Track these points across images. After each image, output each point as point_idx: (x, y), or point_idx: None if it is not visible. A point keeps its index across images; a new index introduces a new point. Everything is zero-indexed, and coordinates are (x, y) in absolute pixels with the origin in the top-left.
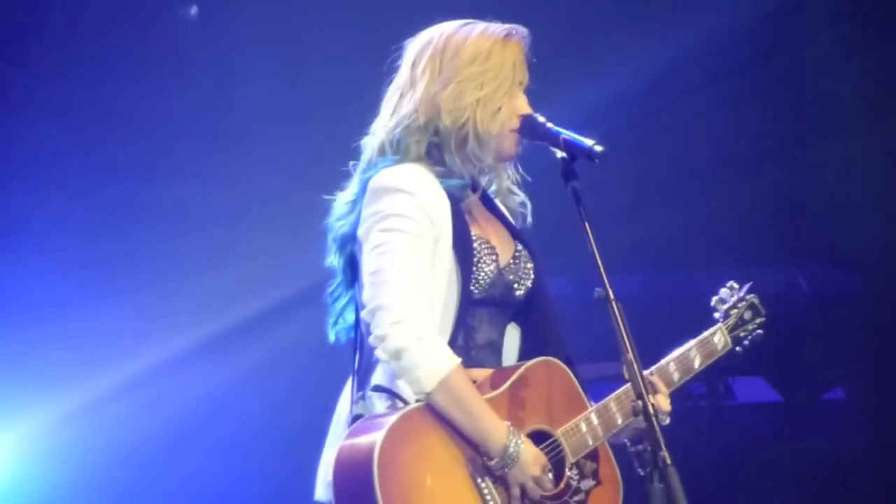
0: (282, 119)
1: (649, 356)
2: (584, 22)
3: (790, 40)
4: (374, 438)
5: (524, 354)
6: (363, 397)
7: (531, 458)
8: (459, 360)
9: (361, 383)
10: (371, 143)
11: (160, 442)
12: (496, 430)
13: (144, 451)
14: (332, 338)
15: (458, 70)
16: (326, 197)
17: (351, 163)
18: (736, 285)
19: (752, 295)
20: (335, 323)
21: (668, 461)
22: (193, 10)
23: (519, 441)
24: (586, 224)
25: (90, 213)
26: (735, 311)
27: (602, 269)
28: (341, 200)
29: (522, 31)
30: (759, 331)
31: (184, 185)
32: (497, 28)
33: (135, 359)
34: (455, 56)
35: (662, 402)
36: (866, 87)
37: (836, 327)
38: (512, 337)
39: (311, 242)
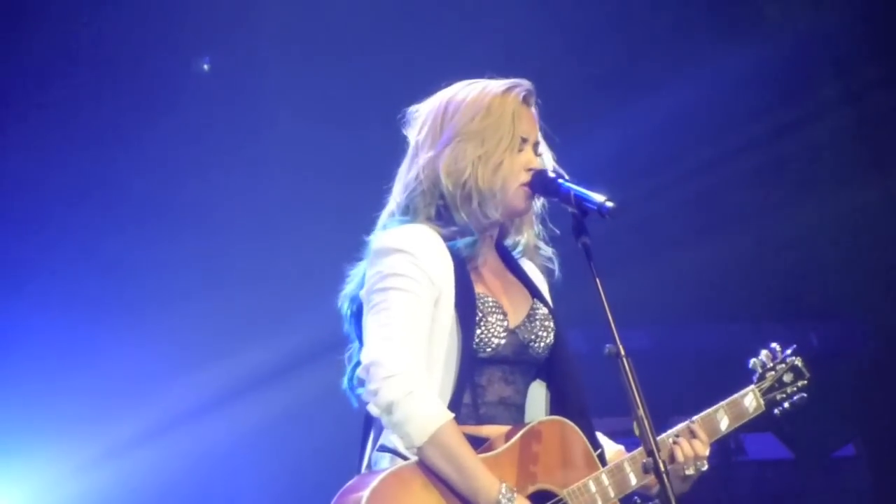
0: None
1: (658, 412)
2: (593, 69)
3: (793, 95)
4: (360, 496)
5: (552, 412)
6: (370, 458)
7: None
8: (452, 415)
9: (374, 445)
10: (385, 211)
11: (181, 490)
12: (488, 486)
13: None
14: (353, 402)
15: (458, 130)
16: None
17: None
18: (778, 347)
19: (794, 357)
20: (350, 385)
21: None
22: (206, 65)
23: (511, 499)
24: (597, 280)
25: (110, 260)
26: (772, 373)
27: (613, 325)
28: (355, 269)
29: (524, 83)
30: (803, 394)
31: (209, 232)
32: (497, 84)
33: (154, 406)
34: (454, 116)
35: (700, 447)
36: (868, 136)
37: (847, 383)
38: (539, 394)
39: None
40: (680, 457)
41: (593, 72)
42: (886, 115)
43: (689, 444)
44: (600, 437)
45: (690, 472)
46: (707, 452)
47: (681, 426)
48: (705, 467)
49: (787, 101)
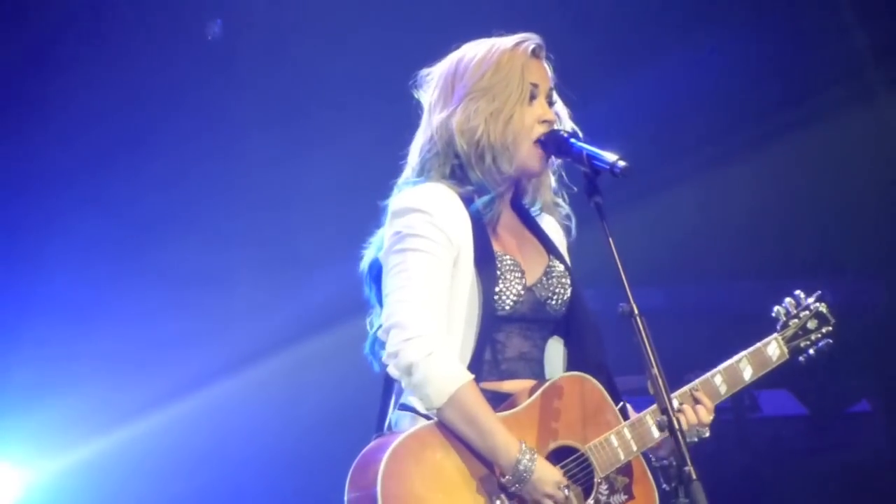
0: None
1: (674, 369)
2: (611, 34)
3: (831, 74)
4: (382, 457)
5: (569, 367)
6: (391, 418)
7: (545, 475)
8: (472, 376)
9: (395, 405)
10: (402, 177)
11: (198, 453)
12: (507, 446)
13: (179, 472)
14: (375, 367)
15: (469, 88)
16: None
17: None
18: (802, 294)
19: (819, 304)
20: (373, 350)
21: (694, 476)
22: (217, 26)
23: (532, 457)
24: (610, 239)
25: (124, 236)
26: (796, 321)
27: (626, 284)
28: (376, 234)
29: (533, 37)
30: (829, 339)
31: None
32: (506, 40)
33: (173, 369)
34: (465, 75)
35: (702, 414)
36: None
37: (863, 339)
38: (557, 350)
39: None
40: (684, 424)
41: (611, 30)
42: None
43: (693, 410)
44: None
45: (693, 439)
46: (710, 419)
47: (681, 391)
48: (707, 434)
49: (797, 66)
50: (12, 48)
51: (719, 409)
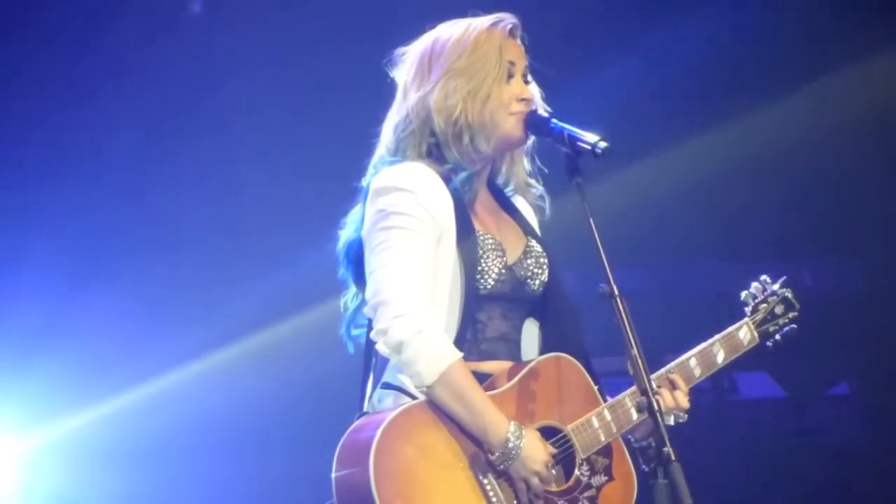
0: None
1: (651, 350)
2: (600, 12)
3: (803, 44)
4: (372, 435)
5: (544, 349)
6: (372, 396)
7: (533, 453)
8: (461, 354)
9: (375, 384)
10: (375, 154)
11: (179, 441)
12: (496, 424)
13: (167, 455)
14: (350, 348)
15: (446, 68)
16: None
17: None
18: (769, 280)
19: (784, 289)
20: (348, 331)
21: (673, 457)
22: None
23: (521, 436)
24: (591, 220)
25: (124, 221)
26: (764, 305)
27: (607, 266)
28: (350, 215)
29: (509, 17)
30: (794, 325)
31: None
32: (482, 20)
33: (152, 354)
34: (441, 54)
35: (681, 399)
36: (876, 88)
37: (840, 322)
38: (531, 332)
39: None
40: (662, 407)
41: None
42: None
43: (671, 395)
44: None
45: (670, 422)
46: (687, 404)
47: (658, 374)
48: (684, 418)
49: (775, 41)
50: None
51: (698, 391)
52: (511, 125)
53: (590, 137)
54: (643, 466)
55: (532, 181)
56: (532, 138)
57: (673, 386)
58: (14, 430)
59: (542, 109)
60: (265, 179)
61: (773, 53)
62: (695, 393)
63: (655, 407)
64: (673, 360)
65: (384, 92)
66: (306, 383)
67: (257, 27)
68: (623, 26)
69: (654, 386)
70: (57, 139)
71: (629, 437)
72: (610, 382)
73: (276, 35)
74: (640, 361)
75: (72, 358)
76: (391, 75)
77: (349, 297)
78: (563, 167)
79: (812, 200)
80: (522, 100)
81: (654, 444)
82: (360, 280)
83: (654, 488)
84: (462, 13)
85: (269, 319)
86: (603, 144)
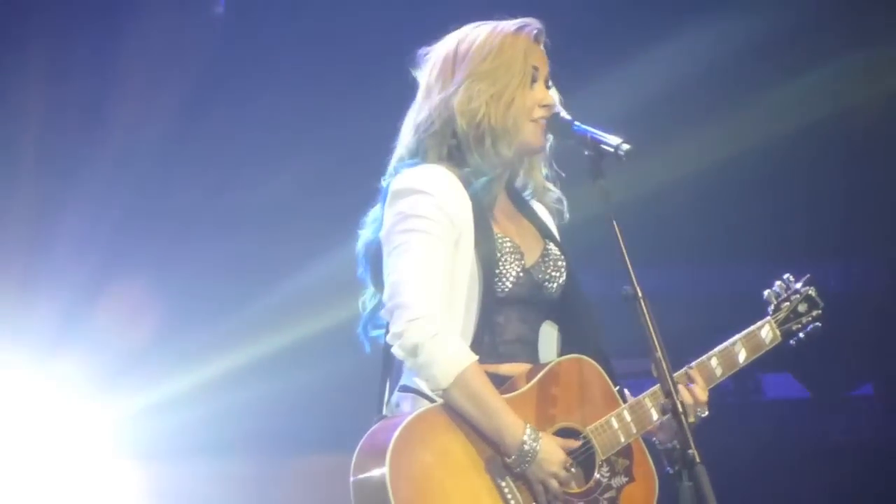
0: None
1: (676, 351)
2: (616, 16)
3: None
4: (388, 438)
5: (563, 351)
6: (390, 399)
7: (550, 455)
8: (476, 357)
9: (392, 387)
10: (394, 155)
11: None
12: (512, 426)
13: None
14: (367, 347)
15: (470, 70)
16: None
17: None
18: (792, 278)
19: (808, 287)
20: (365, 331)
21: (698, 459)
22: (220, 7)
23: (537, 438)
24: (614, 222)
25: (151, 217)
26: (787, 304)
27: (630, 268)
28: (370, 215)
29: (535, 22)
30: (817, 323)
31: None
32: (508, 23)
33: (164, 353)
34: (466, 57)
35: (699, 393)
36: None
37: (864, 323)
38: (549, 335)
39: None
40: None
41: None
42: None
43: (688, 390)
44: None
45: (690, 419)
46: (706, 398)
47: (677, 374)
48: (705, 413)
49: (800, 40)
50: None
51: (722, 392)
52: (530, 131)
53: (612, 140)
54: (668, 468)
55: (550, 185)
56: (550, 142)
57: (690, 381)
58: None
59: (564, 113)
60: (288, 180)
61: (797, 49)
62: (719, 394)
63: (679, 409)
64: (694, 361)
65: (405, 93)
66: (326, 385)
67: (283, 25)
68: (644, 22)
69: (678, 388)
70: (84, 137)
71: (654, 439)
72: (629, 384)
73: (306, 28)
74: (664, 363)
75: (93, 357)
76: (413, 74)
77: (367, 297)
78: (586, 170)
79: (836, 201)
80: (544, 106)
81: (678, 446)
82: (378, 281)
83: (678, 491)
84: (485, 16)
85: (291, 321)
86: (626, 146)
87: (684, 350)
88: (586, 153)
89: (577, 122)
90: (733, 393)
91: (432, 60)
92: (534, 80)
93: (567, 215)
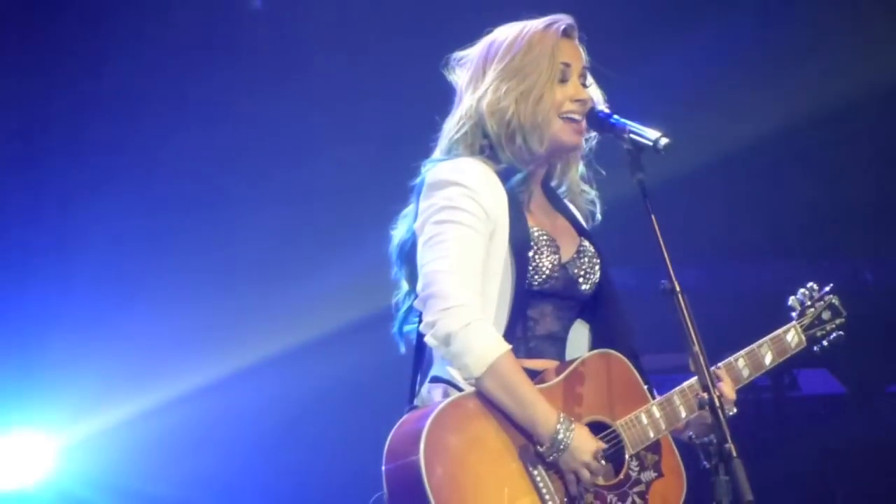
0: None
1: (711, 348)
2: (653, 11)
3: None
4: (422, 425)
5: (594, 349)
6: (421, 390)
7: (582, 445)
8: (509, 346)
9: (424, 378)
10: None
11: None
12: (545, 416)
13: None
14: (401, 347)
15: (499, 70)
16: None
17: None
18: (815, 286)
19: (831, 296)
20: (400, 330)
21: (735, 453)
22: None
23: (570, 427)
24: (653, 216)
25: (174, 222)
26: (812, 310)
27: (668, 262)
28: (403, 212)
29: (564, 17)
30: (840, 332)
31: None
32: (537, 21)
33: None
34: (495, 57)
35: (727, 390)
36: None
37: None
38: (581, 333)
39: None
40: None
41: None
42: None
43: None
44: None
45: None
46: (734, 396)
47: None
48: (734, 411)
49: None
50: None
51: (759, 388)
52: (560, 127)
53: (651, 133)
54: (703, 463)
55: (585, 186)
56: (590, 138)
57: (718, 379)
58: (67, 425)
59: (604, 107)
60: (313, 182)
61: (833, 46)
62: (755, 390)
63: (717, 403)
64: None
65: (434, 99)
66: (356, 378)
67: (322, 21)
68: (678, 19)
69: (716, 382)
70: (113, 147)
71: (686, 434)
72: (665, 379)
73: (346, 21)
74: (701, 358)
75: (118, 357)
76: (449, 79)
77: (401, 296)
78: (625, 164)
79: (873, 198)
80: (576, 101)
81: (714, 441)
82: (413, 278)
83: (714, 485)
84: (517, 16)
85: (321, 314)
86: (665, 140)
87: (720, 347)
88: (625, 147)
89: (615, 116)
90: (770, 388)
91: (466, 64)
92: (564, 77)
93: (599, 217)
